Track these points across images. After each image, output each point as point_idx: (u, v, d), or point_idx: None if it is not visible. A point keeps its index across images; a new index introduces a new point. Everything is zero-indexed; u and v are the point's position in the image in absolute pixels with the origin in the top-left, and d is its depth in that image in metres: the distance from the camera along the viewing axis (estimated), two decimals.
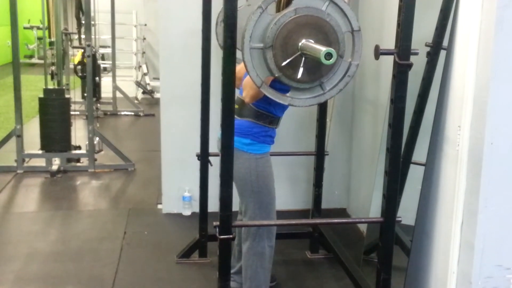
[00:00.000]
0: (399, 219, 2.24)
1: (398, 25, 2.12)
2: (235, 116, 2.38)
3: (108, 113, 7.62)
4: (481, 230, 2.14)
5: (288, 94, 2.00)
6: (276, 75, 1.93)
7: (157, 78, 8.54)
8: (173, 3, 3.74)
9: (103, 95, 7.40)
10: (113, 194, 4.45)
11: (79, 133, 5.31)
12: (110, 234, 3.59)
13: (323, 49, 1.76)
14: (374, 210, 2.96)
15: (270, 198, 2.53)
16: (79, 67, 6.35)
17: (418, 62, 2.39)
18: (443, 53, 2.43)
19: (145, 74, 9.07)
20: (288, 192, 3.97)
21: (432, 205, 2.54)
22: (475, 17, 2.13)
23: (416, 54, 2.15)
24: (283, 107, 2.42)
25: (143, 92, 8.80)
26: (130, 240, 3.50)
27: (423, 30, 2.48)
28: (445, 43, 2.40)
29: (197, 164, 3.14)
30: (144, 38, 9.54)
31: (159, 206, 4.06)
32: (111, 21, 7.68)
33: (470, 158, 2.19)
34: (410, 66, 2.14)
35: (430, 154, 2.52)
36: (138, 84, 8.89)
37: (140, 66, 9.31)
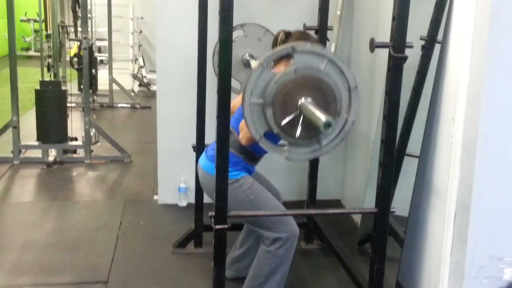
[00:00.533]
0: (393, 209, 2.27)
1: (393, 18, 2.15)
2: None
3: (105, 105, 7.62)
4: (474, 221, 2.17)
5: (285, 148, 2.03)
6: (275, 132, 1.97)
7: (153, 71, 8.55)
8: None
9: (99, 87, 7.40)
10: (109, 185, 4.47)
11: (75, 125, 5.32)
12: (106, 224, 3.61)
13: (322, 118, 1.78)
14: (368, 202, 2.99)
15: (271, 201, 2.54)
16: (75, 59, 6.36)
17: (413, 56, 2.41)
18: (438, 47, 2.45)
19: (141, 67, 9.07)
20: (283, 184, 3.95)
21: (425, 197, 2.57)
22: (470, 11, 2.15)
23: (411, 47, 2.18)
24: None
25: (140, 85, 8.80)
26: (126, 230, 3.52)
27: (418, 23, 2.49)
28: (439, 37, 2.43)
29: (193, 155, 3.16)
30: (141, 31, 9.54)
31: (155, 197, 4.08)
32: (108, 14, 7.68)
33: (463, 151, 2.22)
34: (405, 59, 2.16)
35: (424, 146, 2.55)
36: (135, 76, 8.89)
37: (136, 59, 9.31)
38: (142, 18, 9.54)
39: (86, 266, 3.02)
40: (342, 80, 1.96)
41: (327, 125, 1.77)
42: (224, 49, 2.01)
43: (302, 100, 1.91)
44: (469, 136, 2.17)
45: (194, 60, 3.05)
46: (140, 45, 9.52)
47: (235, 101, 2.68)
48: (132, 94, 8.32)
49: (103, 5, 7.69)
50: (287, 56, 2.48)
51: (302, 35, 2.53)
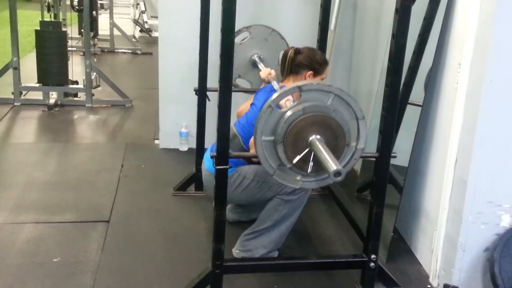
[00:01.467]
0: (394, 154, 2.27)
1: None
2: None
3: (105, 50, 7.54)
4: (474, 167, 2.17)
5: (298, 178, 2.07)
6: (288, 167, 2.01)
7: (155, 17, 8.41)
8: None
9: (100, 32, 7.32)
10: (111, 129, 4.47)
11: (76, 69, 5.27)
12: (107, 166, 3.63)
13: (333, 167, 1.82)
14: (369, 150, 2.98)
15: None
16: (75, 1, 6.24)
17: (420, 1, 2.36)
18: None
19: (142, 12, 8.92)
20: None
21: (427, 144, 2.57)
22: None
23: None
24: None
25: (141, 31, 8.69)
26: (127, 172, 3.54)
27: None
28: None
29: (194, 100, 3.14)
30: None
31: (156, 142, 4.09)
32: None
33: (468, 96, 2.20)
34: (413, 0, 2.11)
35: (427, 93, 2.53)
36: (136, 22, 8.76)
37: (137, 4, 9.14)
38: None
39: (88, 206, 3.05)
40: (349, 111, 2.01)
41: (337, 174, 1.82)
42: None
43: (312, 138, 1.96)
44: (475, 81, 2.15)
45: (197, 5, 2.99)
46: None
47: (243, 106, 2.77)
48: (133, 40, 8.21)
49: None
50: (291, 71, 2.55)
51: (311, 52, 2.58)
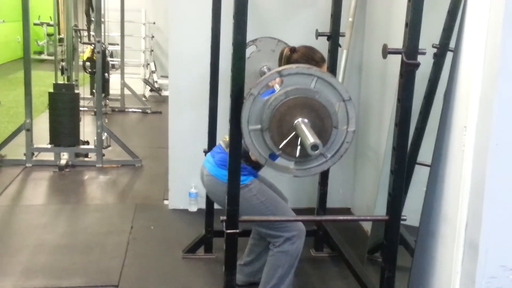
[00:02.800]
0: (404, 217, 2.26)
1: (406, 24, 2.15)
2: (224, 149, 2.47)
3: (116, 109, 7.66)
4: (485, 231, 2.15)
5: (292, 167, 2.09)
6: (277, 154, 2.03)
7: (164, 76, 8.59)
8: (183, 1, 3.77)
9: (111, 92, 7.46)
10: (120, 189, 4.50)
11: (87, 129, 5.36)
12: (117, 228, 3.63)
13: (310, 139, 1.84)
14: (379, 211, 2.98)
15: (280, 202, 2.59)
16: (88, 63, 6.39)
17: (425, 63, 2.41)
18: (449, 55, 2.44)
19: (153, 72, 9.12)
20: (293, 191, 3.98)
21: (437, 206, 2.56)
22: (483, 20, 2.14)
23: (423, 54, 2.18)
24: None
25: (151, 90, 8.85)
26: (136, 234, 3.54)
27: (430, 31, 2.49)
28: (452, 44, 2.42)
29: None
30: (153, 36, 9.59)
31: (166, 202, 4.10)
32: (121, 18, 7.73)
33: (475, 159, 2.21)
34: (417, 65, 2.16)
35: (435, 155, 2.54)
36: (146, 81, 8.94)
37: (148, 64, 9.36)
38: (154, 23, 9.60)
39: (97, 270, 3.03)
40: (334, 93, 2.01)
41: (314, 147, 1.83)
42: (238, 52, 2.02)
43: (296, 122, 1.96)
44: (481, 144, 2.16)
45: (207, 65, 3.07)
46: (151, 50, 9.57)
47: None
48: (143, 99, 8.36)
49: (115, 10, 7.76)
50: (288, 61, 2.52)
51: (307, 50, 2.57)
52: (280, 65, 2.59)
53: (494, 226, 2.15)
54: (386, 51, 2.16)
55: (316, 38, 3.14)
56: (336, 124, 2.01)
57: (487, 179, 2.12)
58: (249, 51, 3.14)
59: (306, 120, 1.96)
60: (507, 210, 2.14)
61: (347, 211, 4.06)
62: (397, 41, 2.26)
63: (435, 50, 2.57)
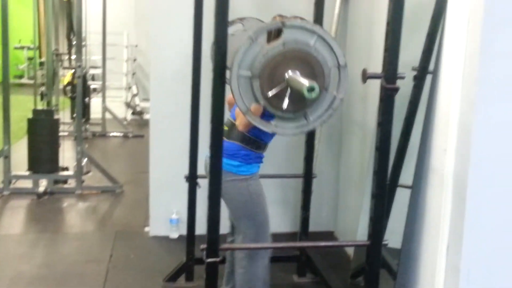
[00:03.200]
0: (386, 242, 2.24)
1: (385, 49, 2.15)
2: (224, 138, 2.42)
3: (97, 134, 7.60)
4: (466, 253, 2.14)
5: (272, 122, 2.05)
6: (262, 104, 1.99)
7: (146, 99, 8.56)
8: (164, 24, 3.76)
9: (92, 115, 7.40)
10: (100, 217, 4.42)
11: (67, 154, 5.28)
12: (96, 257, 3.55)
13: (306, 83, 1.81)
14: (362, 233, 2.96)
15: (264, 216, 2.56)
16: (68, 87, 6.36)
17: (406, 85, 2.42)
18: (429, 77, 2.45)
19: (134, 95, 9.08)
20: (276, 214, 3.92)
21: (418, 228, 2.54)
22: (461, 42, 2.16)
23: (402, 78, 2.18)
24: (271, 134, 2.44)
25: (133, 113, 8.81)
26: (116, 263, 3.46)
27: (410, 54, 2.51)
28: (431, 67, 2.44)
29: (185, 186, 3.13)
30: (135, 59, 9.57)
31: (146, 229, 4.02)
32: (102, 41, 7.71)
33: (455, 182, 2.21)
34: (396, 90, 2.16)
35: (416, 177, 2.53)
36: (128, 105, 8.90)
37: (130, 87, 9.32)
38: (136, 46, 9.58)
39: None
40: (331, 57, 1.99)
41: (311, 89, 1.80)
42: (218, 76, 2.00)
43: (289, 73, 1.93)
44: (461, 167, 2.16)
45: (188, 88, 3.05)
46: (134, 73, 9.54)
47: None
48: (125, 122, 8.31)
49: (97, 33, 7.72)
50: (278, 35, 2.51)
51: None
52: (269, 37, 2.57)
53: (475, 248, 2.14)
54: (366, 76, 2.16)
55: None
56: (327, 86, 1.99)
57: (467, 201, 2.11)
58: (234, 29, 3.06)
59: (298, 73, 1.93)
60: (488, 232, 2.13)
61: (330, 234, 4.02)
62: (378, 64, 2.26)
63: (415, 72, 2.57)
